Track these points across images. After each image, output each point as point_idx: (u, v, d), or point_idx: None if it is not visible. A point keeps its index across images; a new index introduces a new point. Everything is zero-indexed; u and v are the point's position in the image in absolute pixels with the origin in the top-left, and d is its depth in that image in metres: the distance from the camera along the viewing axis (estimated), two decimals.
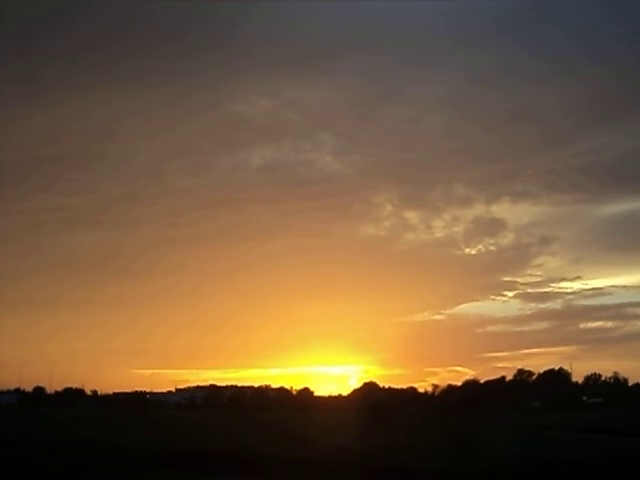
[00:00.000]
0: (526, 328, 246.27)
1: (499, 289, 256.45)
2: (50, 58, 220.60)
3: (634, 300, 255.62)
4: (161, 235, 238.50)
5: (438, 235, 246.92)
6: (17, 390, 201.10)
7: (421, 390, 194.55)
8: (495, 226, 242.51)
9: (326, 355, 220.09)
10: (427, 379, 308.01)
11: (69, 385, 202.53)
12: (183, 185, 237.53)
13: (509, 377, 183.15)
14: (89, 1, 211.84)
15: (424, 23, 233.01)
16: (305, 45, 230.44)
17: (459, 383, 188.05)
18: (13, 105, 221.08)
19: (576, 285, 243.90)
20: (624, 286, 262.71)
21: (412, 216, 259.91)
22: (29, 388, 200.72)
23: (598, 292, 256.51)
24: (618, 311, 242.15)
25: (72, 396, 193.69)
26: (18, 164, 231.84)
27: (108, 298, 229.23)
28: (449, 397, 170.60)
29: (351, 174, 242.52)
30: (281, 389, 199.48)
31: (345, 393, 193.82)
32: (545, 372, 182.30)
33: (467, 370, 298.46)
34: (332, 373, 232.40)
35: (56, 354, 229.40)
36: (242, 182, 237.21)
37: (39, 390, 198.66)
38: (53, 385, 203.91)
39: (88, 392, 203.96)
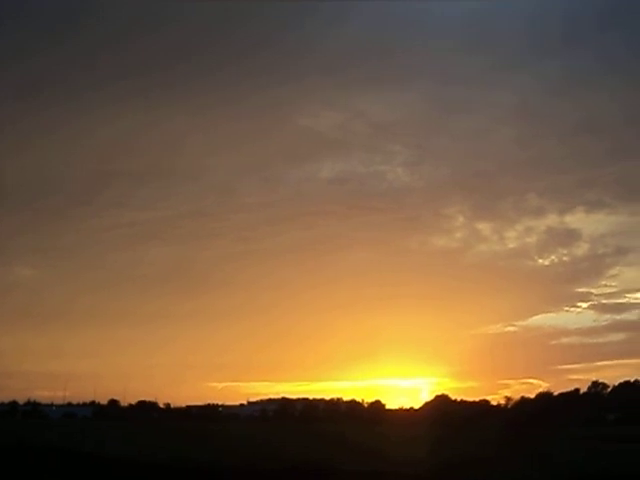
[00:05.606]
0: (601, 339, 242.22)
1: (573, 300, 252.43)
2: (120, 73, 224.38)
3: None
4: (233, 250, 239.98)
5: (511, 246, 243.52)
6: (92, 403, 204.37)
7: (494, 403, 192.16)
8: (569, 236, 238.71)
9: (398, 368, 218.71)
10: (500, 391, 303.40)
11: (143, 398, 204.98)
12: (254, 200, 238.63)
13: (583, 389, 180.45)
14: (164, 17, 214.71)
15: (494, 33, 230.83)
16: (373, 57, 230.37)
17: (532, 395, 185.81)
18: (82, 118, 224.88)
19: None
20: None
21: (484, 227, 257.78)
22: (104, 401, 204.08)
23: None
24: None
25: (146, 409, 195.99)
26: (88, 180, 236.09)
27: (180, 312, 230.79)
28: (522, 409, 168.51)
29: (422, 186, 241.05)
30: (352, 402, 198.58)
31: (417, 406, 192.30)
32: (620, 384, 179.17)
33: (540, 382, 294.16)
34: (404, 386, 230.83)
35: (130, 367, 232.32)
36: (313, 196, 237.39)
37: (113, 403, 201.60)
38: (127, 398, 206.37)
39: (161, 405, 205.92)
